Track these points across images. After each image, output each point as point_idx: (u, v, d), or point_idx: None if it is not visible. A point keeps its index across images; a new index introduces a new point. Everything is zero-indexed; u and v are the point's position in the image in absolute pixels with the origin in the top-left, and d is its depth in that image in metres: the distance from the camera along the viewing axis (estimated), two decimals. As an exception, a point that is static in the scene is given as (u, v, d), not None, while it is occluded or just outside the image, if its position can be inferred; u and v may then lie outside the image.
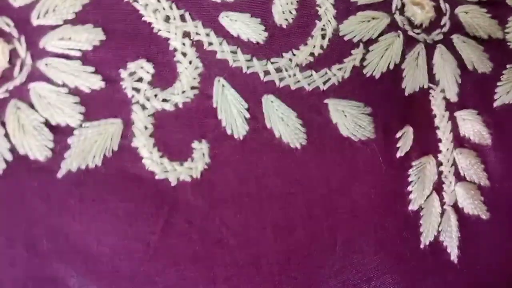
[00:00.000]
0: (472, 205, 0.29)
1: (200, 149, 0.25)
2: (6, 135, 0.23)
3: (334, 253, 0.26)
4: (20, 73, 0.24)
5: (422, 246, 0.28)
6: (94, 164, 0.24)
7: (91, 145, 0.24)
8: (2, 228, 0.23)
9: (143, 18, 0.26)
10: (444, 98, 0.29)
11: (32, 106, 0.24)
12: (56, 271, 0.23)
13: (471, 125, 0.29)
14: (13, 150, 0.23)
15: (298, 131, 0.27)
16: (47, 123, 0.24)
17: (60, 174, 0.24)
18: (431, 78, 0.29)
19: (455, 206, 0.29)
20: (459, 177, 0.29)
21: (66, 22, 0.24)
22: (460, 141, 0.30)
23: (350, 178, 0.27)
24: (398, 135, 0.28)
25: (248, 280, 0.25)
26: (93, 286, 0.23)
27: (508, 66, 0.31)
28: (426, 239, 0.28)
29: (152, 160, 0.25)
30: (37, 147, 0.23)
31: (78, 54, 0.24)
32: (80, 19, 0.25)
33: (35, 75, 0.24)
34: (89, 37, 0.24)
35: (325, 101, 0.27)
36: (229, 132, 0.26)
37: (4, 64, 0.23)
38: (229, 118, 0.26)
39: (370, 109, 0.27)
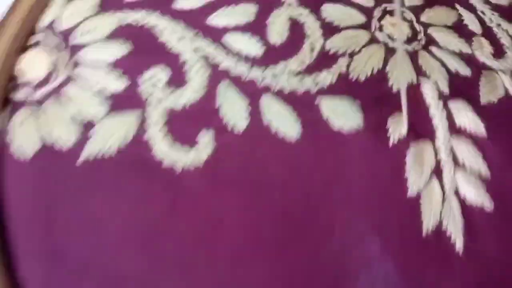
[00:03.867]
0: (475, 194, 0.29)
1: (204, 140, 0.28)
2: (38, 127, 0.27)
3: (332, 237, 0.27)
4: (58, 78, 0.29)
5: (424, 233, 0.28)
6: (109, 153, 0.27)
7: (109, 136, 0.28)
8: (27, 205, 0.26)
9: (160, 39, 0.31)
10: (437, 89, 0.32)
11: (63, 103, 0.28)
12: (68, 244, 0.25)
13: (465, 114, 0.31)
14: (42, 139, 0.27)
15: (293, 125, 0.29)
16: (73, 118, 0.28)
17: (79, 162, 0.27)
18: (418, 74, 0.32)
19: (457, 194, 0.29)
20: (459, 165, 0.30)
21: (100, 39, 0.30)
22: (456, 130, 0.31)
23: (344, 165, 0.29)
24: (388, 122, 0.30)
25: (248, 259, 0.26)
26: (102, 256, 0.25)
27: (483, 71, 0.34)
28: (428, 225, 0.28)
29: (161, 149, 0.28)
30: (63, 138, 0.27)
31: (107, 62, 0.29)
32: (111, 37, 0.30)
33: (70, 79, 0.29)
34: (119, 48, 0.30)
35: (316, 100, 0.30)
36: (230, 126, 0.29)
37: (47, 71, 0.29)
38: (231, 114, 0.29)
39: (359, 102, 0.30)
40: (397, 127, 0.30)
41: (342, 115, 0.30)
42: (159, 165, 0.28)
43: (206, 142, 0.28)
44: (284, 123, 0.29)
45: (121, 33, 0.31)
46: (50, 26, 0.30)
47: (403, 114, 0.30)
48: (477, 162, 0.30)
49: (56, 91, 0.28)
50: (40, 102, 0.28)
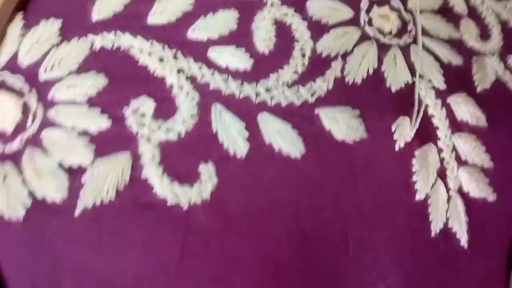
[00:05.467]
0: (477, 188, 0.30)
1: (207, 171, 0.27)
2: (24, 182, 0.25)
3: (348, 254, 0.27)
4: (33, 123, 0.26)
5: (433, 234, 0.28)
6: (108, 198, 0.25)
7: (104, 180, 0.25)
8: (27, 272, 0.24)
9: (139, 63, 0.28)
10: (433, 87, 0.31)
11: (46, 151, 0.25)
12: (82, 308, 0.24)
13: (466, 107, 0.31)
14: (31, 194, 0.25)
15: (295, 142, 0.28)
16: (61, 165, 0.25)
17: (77, 213, 0.25)
18: (414, 74, 0.31)
19: (461, 191, 0.30)
20: (461, 162, 0.30)
21: (71, 72, 0.27)
22: (457, 126, 0.31)
23: (352, 178, 0.28)
24: (393, 128, 0.29)
25: (271, 291, 0.25)
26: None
27: (473, 57, 0.33)
28: (436, 227, 0.28)
29: (163, 187, 0.26)
30: (54, 189, 0.25)
31: (84, 98, 0.26)
32: (83, 68, 0.27)
33: (47, 123, 0.26)
34: (94, 81, 0.27)
35: (316, 111, 0.29)
36: (231, 152, 0.27)
37: (18, 117, 0.25)
38: (230, 140, 0.27)
39: (359, 111, 0.29)
40: (402, 133, 0.29)
41: (344, 126, 0.29)
42: (163, 204, 0.26)
43: (208, 174, 0.27)
44: (286, 140, 0.28)
45: (92, 62, 0.28)
46: (9, 64, 0.27)
47: (409, 119, 0.30)
48: (479, 156, 0.30)
49: (35, 138, 0.25)
50: (19, 153, 0.25)
